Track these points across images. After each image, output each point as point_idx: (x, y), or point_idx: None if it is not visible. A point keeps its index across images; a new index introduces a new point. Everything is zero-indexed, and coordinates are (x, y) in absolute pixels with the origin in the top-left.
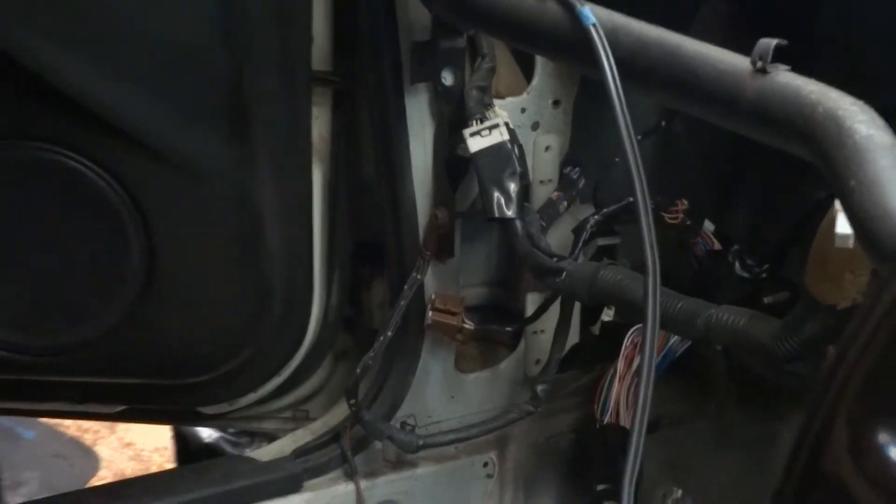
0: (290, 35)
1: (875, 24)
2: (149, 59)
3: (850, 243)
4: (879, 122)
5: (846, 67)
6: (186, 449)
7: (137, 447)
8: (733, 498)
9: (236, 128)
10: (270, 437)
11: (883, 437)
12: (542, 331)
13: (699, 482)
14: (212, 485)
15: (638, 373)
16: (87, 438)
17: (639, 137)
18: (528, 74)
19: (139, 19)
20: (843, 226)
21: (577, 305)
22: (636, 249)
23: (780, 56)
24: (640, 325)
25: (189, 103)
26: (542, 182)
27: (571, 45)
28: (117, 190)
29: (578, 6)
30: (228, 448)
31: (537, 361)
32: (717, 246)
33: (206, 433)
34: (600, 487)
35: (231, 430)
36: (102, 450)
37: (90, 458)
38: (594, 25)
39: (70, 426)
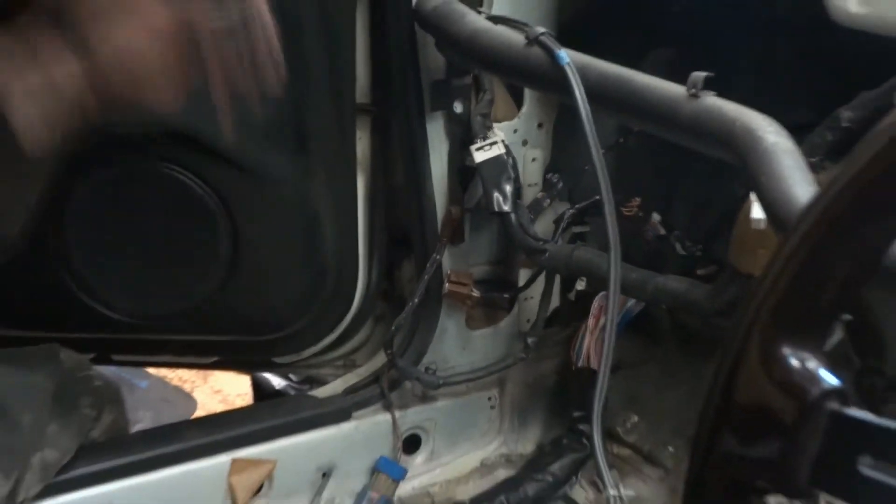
0: (339, 78)
1: (779, 66)
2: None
3: (763, 225)
4: (783, 132)
5: (759, 93)
6: (261, 394)
7: (225, 393)
8: (676, 420)
9: (300, 148)
10: (323, 383)
11: (785, 351)
12: (531, 297)
13: (650, 409)
14: (282, 416)
15: (604, 328)
16: (187, 387)
17: (603, 151)
18: (519, 103)
19: None
20: (756, 212)
21: (557, 278)
22: (601, 235)
23: (707, 84)
24: (605, 291)
25: (265, 131)
26: (530, 185)
27: (551, 80)
28: (211, 195)
29: (556, 50)
30: (293, 393)
31: (528, 320)
32: (663, 232)
33: (276, 381)
34: (576, 414)
35: (295, 379)
36: (198, 395)
37: (190, 402)
38: (568, 64)
39: (173, 378)
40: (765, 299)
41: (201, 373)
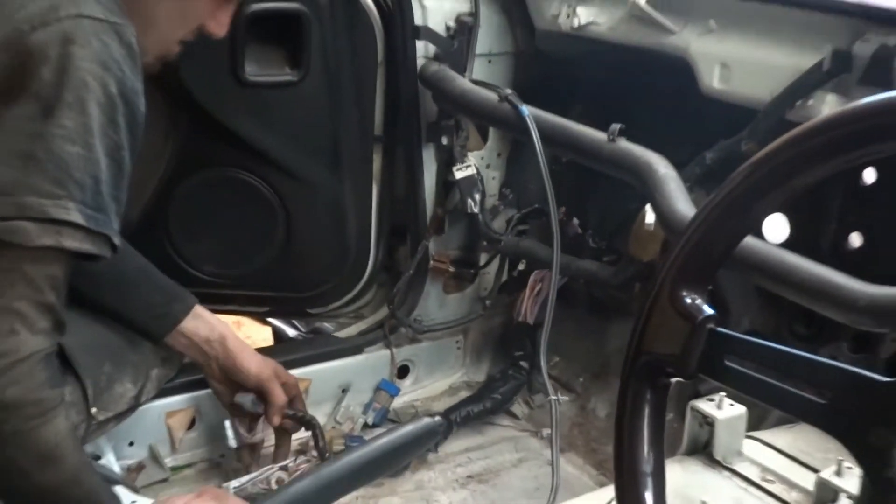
0: (363, 118)
1: (667, 122)
2: (296, 132)
3: (653, 227)
4: (670, 165)
5: (654, 139)
6: (279, 340)
7: (253, 339)
8: (585, 360)
9: (335, 164)
10: (326, 333)
11: (683, 293)
12: (488, 273)
13: (567, 352)
14: (315, 349)
15: (538, 294)
16: None
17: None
18: (485, 139)
19: (294, 115)
20: (649, 218)
21: (507, 259)
22: (540, 231)
23: (621, 133)
24: (539, 269)
25: (313, 151)
26: (490, 196)
27: (515, 126)
28: (272, 194)
29: (519, 105)
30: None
31: (485, 289)
32: (580, 231)
33: (290, 332)
34: (516, 353)
35: (304, 329)
36: None
37: None
38: (528, 115)
39: None
40: (672, 263)
41: (235, 323)
